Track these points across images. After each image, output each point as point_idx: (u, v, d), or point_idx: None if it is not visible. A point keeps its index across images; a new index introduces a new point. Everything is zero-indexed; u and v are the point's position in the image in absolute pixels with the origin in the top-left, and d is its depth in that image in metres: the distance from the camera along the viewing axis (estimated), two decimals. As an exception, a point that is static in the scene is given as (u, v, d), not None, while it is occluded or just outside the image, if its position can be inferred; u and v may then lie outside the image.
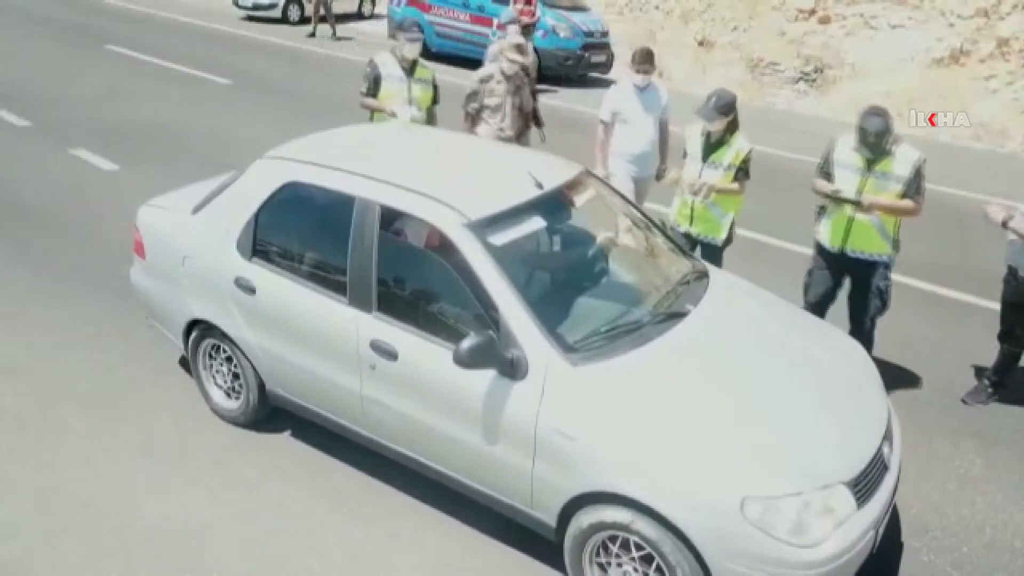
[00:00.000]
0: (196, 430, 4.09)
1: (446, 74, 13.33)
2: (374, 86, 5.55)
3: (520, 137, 6.02)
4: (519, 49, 5.75)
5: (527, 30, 12.66)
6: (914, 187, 4.18)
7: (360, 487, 3.73)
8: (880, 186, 4.20)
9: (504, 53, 5.75)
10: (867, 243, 4.33)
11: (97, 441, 3.95)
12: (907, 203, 4.21)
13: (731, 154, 4.59)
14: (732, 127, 4.61)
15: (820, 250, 4.55)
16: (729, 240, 4.79)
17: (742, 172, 4.61)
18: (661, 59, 14.72)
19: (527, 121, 6.12)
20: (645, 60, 5.52)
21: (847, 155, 4.32)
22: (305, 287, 3.56)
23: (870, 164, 4.22)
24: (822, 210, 4.52)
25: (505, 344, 2.99)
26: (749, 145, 4.62)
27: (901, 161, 4.18)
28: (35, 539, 3.34)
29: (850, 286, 4.52)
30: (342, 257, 3.44)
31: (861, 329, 4.44)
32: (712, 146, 4.63)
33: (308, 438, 4.01)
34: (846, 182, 4.28)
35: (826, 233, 4.46)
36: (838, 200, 4.29)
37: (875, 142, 4.15)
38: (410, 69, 5.60)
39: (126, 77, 11.40)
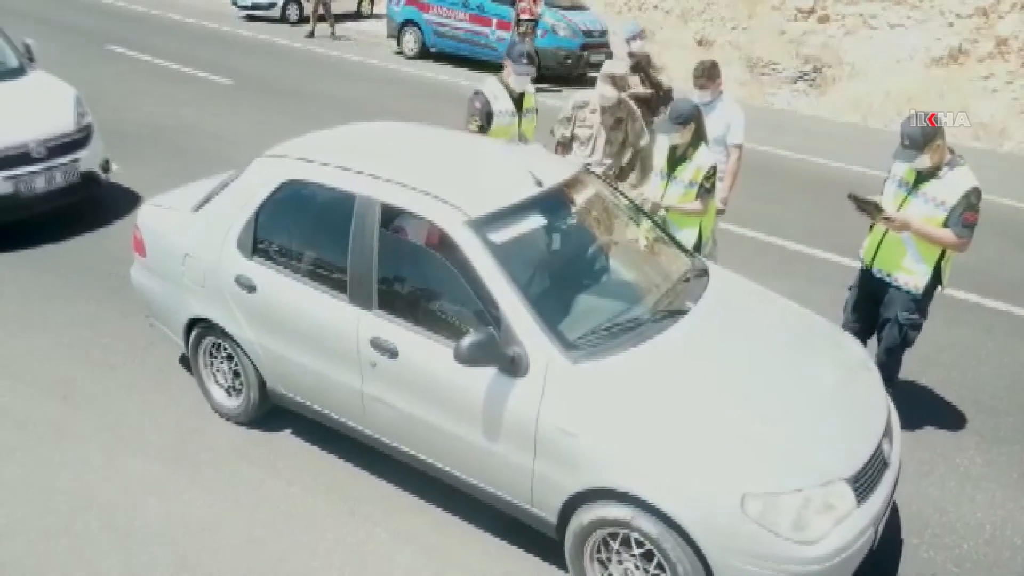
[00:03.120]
0: (196, 429, 4.08)
1: (445, 74, 13.46)
2: (487, 123, 4.88)
3: (622, 177, 5.31)
4: (612, 80, 4.98)
5: (530, 29, 12.67)
6: (957, 218, 3.73)
7: (361, 485, 3.73)
8: (919, 209, 3.83)
9: (597, 84, 5.09)
10: (892, 265, 3.98)
11: (96, 440, 3.95)
12: (941, 232, 3.76)
13: (691, 170, 4.35)
14: (696, 140, 4.38)
15: (861, 265, 4.25)
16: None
17: (704, 189, 4.34)
18: (660, 59, 14.79)
19: (633, 160, 5.36)
20: (700, 74, 5.08)
21: (898, 166, 4.00)
22: (305, 285, 3.57)
23: (917, 182, 3.87)
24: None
25: (506, 341, 2.99)
26: (712, 160, 4.38)
27: (948, 186, 3.77)
28: (34, 539, 3.33)
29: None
30: (342, 255, 3.44)
31: (879, 359, 4.05)
32: (676, 160, 4.41)
33: (309, 436, 4.01)
34: (889, 195, 4.00)
35: (864, 246, 4.19)
36: (859, 207, 3.95)
37: (908, 146, 3.76)
38: (519, 100, 5.02)
39: (126, 77, 11.39)
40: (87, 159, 6.22)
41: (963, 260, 6.65)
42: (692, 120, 4.30)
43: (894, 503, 3.41)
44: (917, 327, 4.05)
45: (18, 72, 6.57)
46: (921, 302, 4.00)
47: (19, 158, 5.74)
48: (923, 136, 3.73)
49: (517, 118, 4.99)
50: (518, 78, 4.89)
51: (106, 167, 6.51)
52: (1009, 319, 5.78)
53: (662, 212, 4.47)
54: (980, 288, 6.13)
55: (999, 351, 5.31)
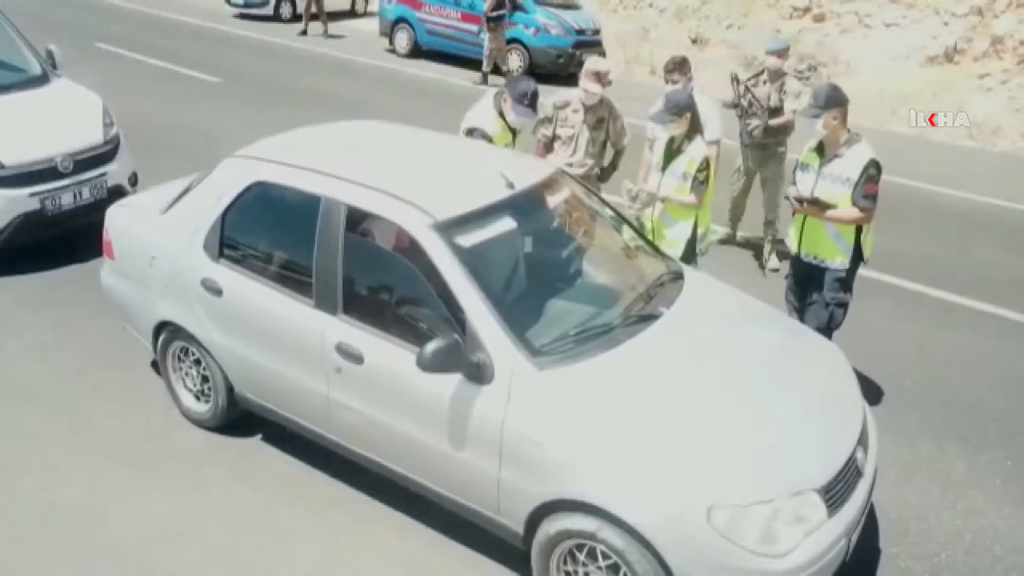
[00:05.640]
0: (165, 434, 4.02)
1: (437, 72, 13.37)
2: None
3: (604, 177, 5.24)
4: (597, 77, 4.89)
5: (496, 24, 12.50)
6: (859, 191, 3.95)
7: (329, 492, 3.67)
8: (829, 189, 4.04)
9: (581, 82, 4.98)
10: (817, 246, 4.17)
11: (64, 446, 3.88)
12: (843, 212, 3.98)
13: (685, 162, 4.31)
14: (691, 133, 4.35)
15: (791, 254, 4.44)
16: (690, 256, 4.36)
17: (697, 181, 4.27)
18: (653, 57, 14.69)
19: (616, 160, 5.28)
20: (672, 68, 5.02)
21: (805, 154, 4.23)
22: (271, 289, 3.50)
23: (821, 165, 4.09)
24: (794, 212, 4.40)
25: (471, 347, 2.93)
26: (704, 152, 4.35)
27: (849, 163, 4.00)
28: (-5, 545, 3.27)
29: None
30: (308, 258, 3.38)
31: None
32: (672, 153, 4.37)
33: (279, 442, 3.94)
34: (802, 183, 4.20)
35: (790, 234, 4.37)
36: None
37: (811, 104, 4.01)
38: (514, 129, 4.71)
39: (116, 75, 11.26)
40: (115, 173, 5.85)
41: (950, 260, 6.66)
42: (688, 110, 4.30)
43: (872, 510, 3.35)
44: (842, 305, 4.19)
45: (41, 80, 6.16)
46: (846, 280, 4.17)
47: (45, 173, 5.40)
48: (826, 97, 3.98)
49: (512, 144, 4.73)
50: (518, 119, 4.55)
51: (134, 180, 6.06)
52: (996, 321, 5.70)
53: (657, 206, 4.43)
54: (967, 289, 6.07)
55: (986, 353, 5.23)
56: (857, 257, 4.15)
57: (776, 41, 6.39)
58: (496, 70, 13.04)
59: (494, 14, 12.53)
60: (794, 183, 4.29)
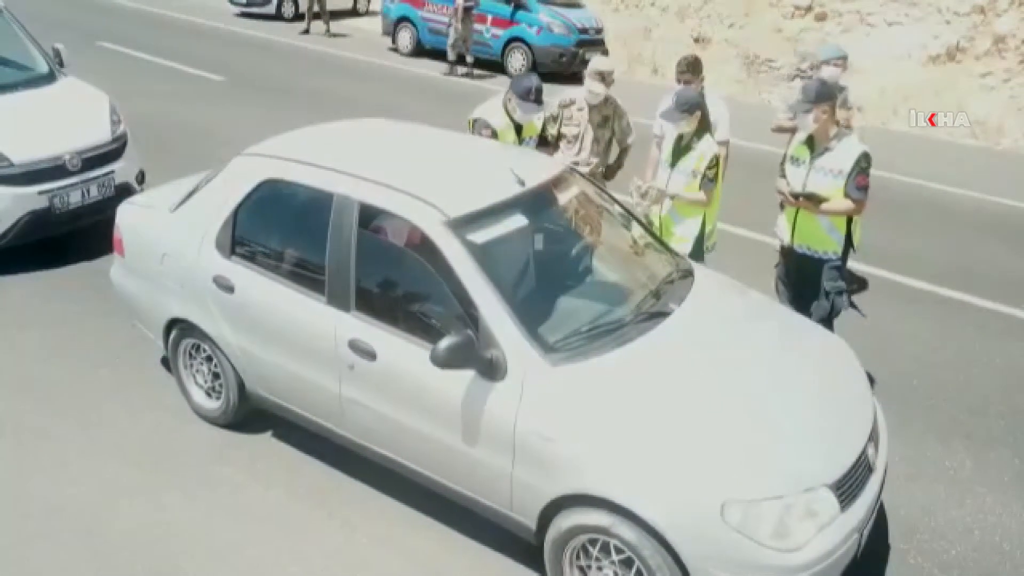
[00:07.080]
0: (176, 431, 4.03)
1: (440, 71, 13.38)
2: None
3: (609, 175, 5.24)
4: (601, 76, 4.93)
5: (467, 14, 12.47)
6: (851, 183, 4.01)
7: (341, 489, 3.68)
8: (820, 181, 4.09)
9: (585, 81, 5.03)
10: (812, 238, 4.23)
11: (75, 443, 3.89)
12: (838, 204, 4.06)
13: (694, 159, 4.33)
14: (701, 130, 4.38)
15: (780, 246, 4.50)
16: (698, 254, 4.41)
17: (707, 179, 4.31)
18: (655, 56, 14.72)
19: (621, 158, 5.30)
20: (685, 68, 5.03)
21: (796, 148, 4.29)
22: (283, 286, 3.51)
23: (813, 158, 4.14)
24: (781, 204, 4.47)
25: (484, 344, 2.94)
26: (715, 149, 4.36)
27: (840, 156, 4.06)
28: (7, 544, 3.27)
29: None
30: (320, 255, 3.39)
31: None
32: (681, 150, 4.40)
33: (290, 439, 3.95)
34: (793, 177, 4.24)
35: (781, 227, 4.41)
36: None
37: (802, 99, 4.04)
38: (519, 126, 4.80)
39: (117, 74, 11.26)
40: (122, 170, 5.88)
41: (956, 259, 6.68)
42: (698, 108, 4.34)
43: (881, 507, 3.36)
44: (842, 293, 4.27)
45: (49, 79, 6.20)
46: (841, 268, 4.26)
47: (53, 171, 5.42)
48: (816, 92, 4.02)
49: (517, 142, 4.80)
50: (524, 115, 4.65)
51: (141, 178, 6.09)
52: (1002, 319, 5.72)
53: (644, 202, 4.45)
54: (973, 287, 6.08)
55: (991, 352, 5.25)
56: (848, 246, 4.23)
57: (831, 49, 5.77)
58: (501, 68, 13.07)
59: (467, 4, 12.62)
60: (783, 176, 4.32)
